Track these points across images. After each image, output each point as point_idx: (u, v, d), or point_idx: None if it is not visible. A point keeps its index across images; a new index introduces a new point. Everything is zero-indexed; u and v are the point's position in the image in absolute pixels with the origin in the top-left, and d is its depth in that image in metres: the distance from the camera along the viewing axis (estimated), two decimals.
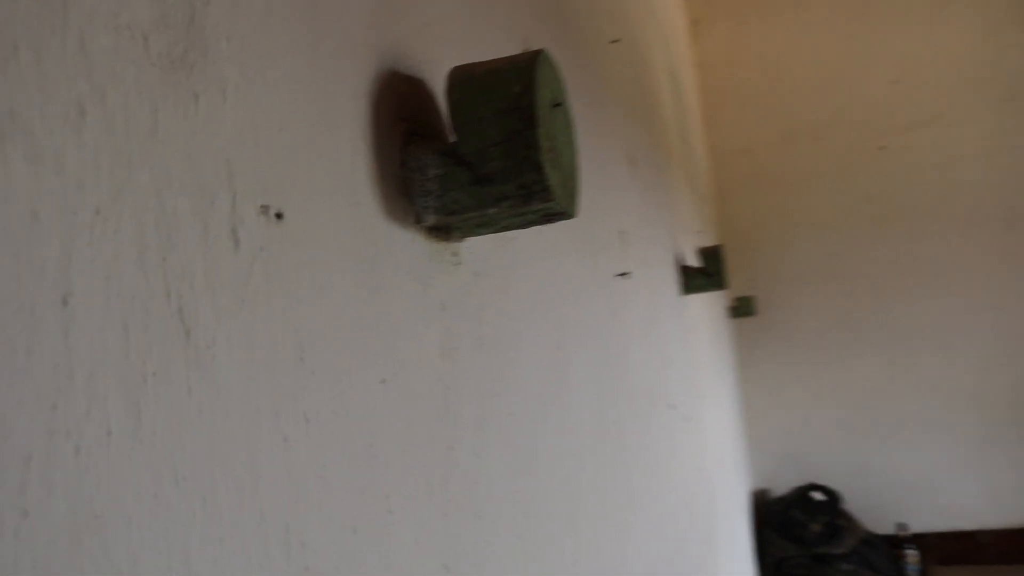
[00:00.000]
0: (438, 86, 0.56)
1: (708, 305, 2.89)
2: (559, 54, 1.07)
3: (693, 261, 2.17)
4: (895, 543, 3.62)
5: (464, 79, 0.51)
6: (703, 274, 2.03)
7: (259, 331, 0.35)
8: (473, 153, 0.49)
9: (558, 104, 0.56)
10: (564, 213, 0.54)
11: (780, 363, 4.14)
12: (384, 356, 0.46)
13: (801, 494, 3.74)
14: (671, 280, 1.93)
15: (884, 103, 4.02)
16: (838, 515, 3.63)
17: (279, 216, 0.38)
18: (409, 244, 0.51)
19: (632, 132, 1.63)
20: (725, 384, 3.38)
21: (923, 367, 3.87)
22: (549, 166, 0.49)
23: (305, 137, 0.41)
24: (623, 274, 1.26)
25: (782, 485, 4.02)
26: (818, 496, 3.68)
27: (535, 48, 0.92)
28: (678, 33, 3.57)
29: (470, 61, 0.54)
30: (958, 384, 3.81)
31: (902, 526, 3.64)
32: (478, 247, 0.62)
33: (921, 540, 3.67)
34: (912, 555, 3.58)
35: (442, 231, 0.55)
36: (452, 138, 0.50)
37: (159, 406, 0.30)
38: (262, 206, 0.37)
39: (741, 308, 3.93)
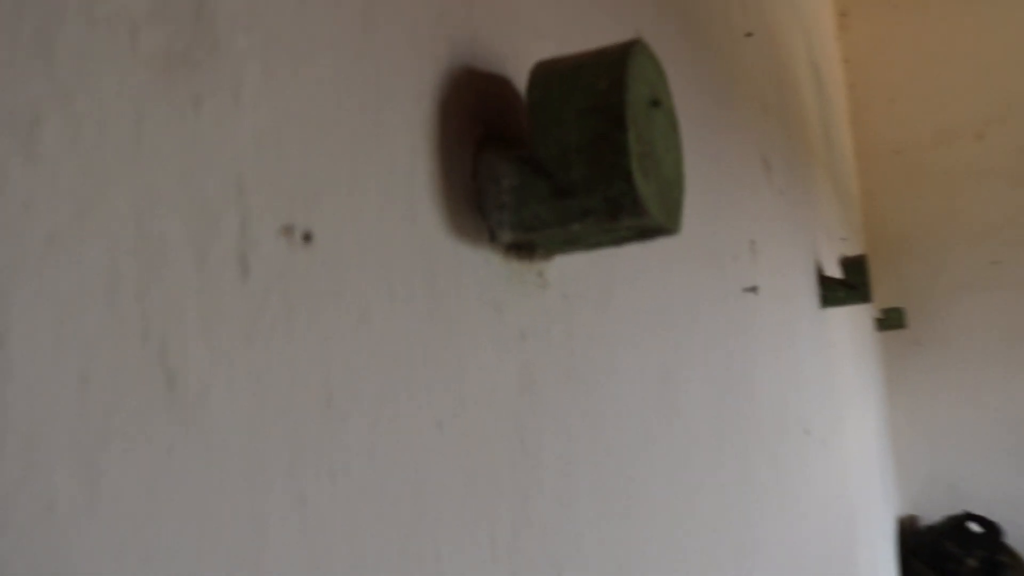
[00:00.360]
0: (525, 84, 0.50)
1: (851, 318, 2.71)
2: (680, 47, 0.98)
3: (834, 271, 2.01)
4: None
5: (546, 74, 0.45)
6: (845, 286, 1.88)
7: (273, 374, 0.30)
8: (553, 160, 0.42)
9: (657, 103, 0.48)
10: (663, 229, 0.46)
11: (933, 380, 3.84)
12: (442, 394, 0.40)
13: (955, 524, 3.45)
14: (810, 292, 1.80)
15: None
16: (999, 550, 3.33)
17: (307, 237, 0.33)
18: (481, 265, 0.45)
19: (767, 132, 1.52)
20: (870, 402, 3.16)
21: None
22: (641, 175, 0.42)
23: (348, 145, 0.36)
24: (751, 288, 1.16)
25: (933, 513, 3.73)
26: (975, 528, 3.39)
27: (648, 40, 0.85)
28: (822, 25, 3.37)
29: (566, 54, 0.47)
30: None
31: None
32: (570, 266, 0.56)
33: None
34: None
35: (524, 249, 0.49)
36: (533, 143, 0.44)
37: (125, 472, 0.25)
38: (284, 227, 0.32)
39: (889, 320, 3.68)
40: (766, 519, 1.12)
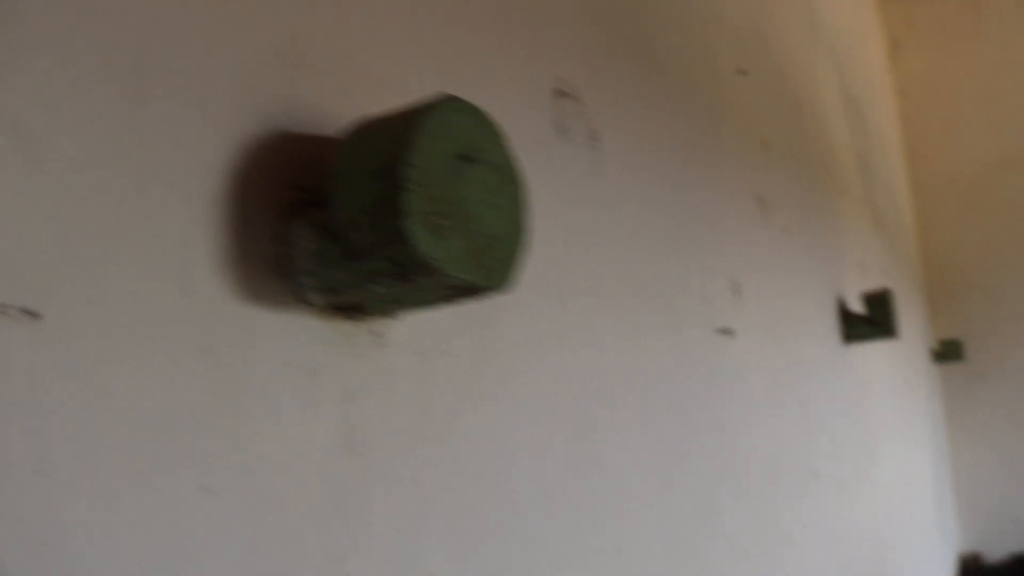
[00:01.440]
0: None
1: (896, 352, 2.61)
2: (628, 88, 0.97)
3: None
4: None
5: (352, 133, 0.45)
6: (867, 322, 1.82)
7: None
8: (345, 223, 0.42)
9: (470, 158, 0.47)
10: (479, 288, 0.46)
11: (995, 413, 3.68)
12: (215, 461, 0.40)
13: (1020, 561, 3.28)
14: (827, 330, 1.74)
15: None
16: None
17: (33, 315, 0.33)
18: (290, 329, 0.45)
19: (766, 169, 1.48)
20: (923, 438, 3.04)
21: None
22: (430, 235, 0.41)
23: (96, 222, 0.36)
24: (725, 330, 1.13)
25: (998, 549, 3.56)
26: None
27: (570, 91, 0.84)
28: (868, 57, 3.30)
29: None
30: None
31: None
32: (430, 323, 0.55)
33: None
34: None
35: (354, 310, 0.49)
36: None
37: None
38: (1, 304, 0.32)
39: (947, 353, 3.55)
40: (741, 561, 1.09)
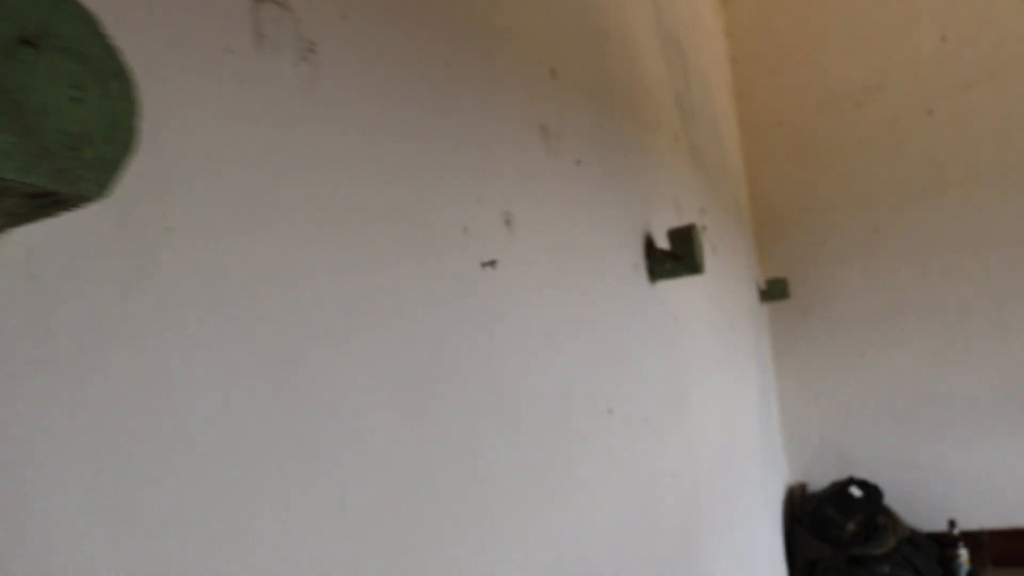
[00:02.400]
0: None
1: (719, 290, 2.67)
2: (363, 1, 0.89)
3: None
4: (944, 542, 3.33)
5: None
6: (672, 258, 1.82)
7: None
8: None
9: (31, 43, 0.39)
10: (57, 194, 0.38)
11: (818, 348, 3.86)
12: None
13: (837, 490, 3.47)
14: (632, 266, 1.73)
15: (932, 63, 3.69)
16: (878, 512, 3.35)
17: None
18: None
19: (554, 99, 1.44)
20: (749, 373, 3.14)
21: (978, 350, 3.55)
22: None
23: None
24: (490, 263, 1.08)
25: (823, 479, 3.75)
26: (856, 492, 3.41)
27: None
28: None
29: None
30: (1018, 368, 3.47)
31: (952, 523, 3.33)
32: (62, 245, 0.47)
33: (973, 539, 3.36)
34: (962, 555, 3.28)
35: None
36: None
37: None
38: None
39: (773, 291, 3.68)
40: (518, 503, 1.05)
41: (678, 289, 2.11)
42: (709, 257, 2.63)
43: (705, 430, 2.22)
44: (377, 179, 0.87)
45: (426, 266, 0.94)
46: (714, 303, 2.62)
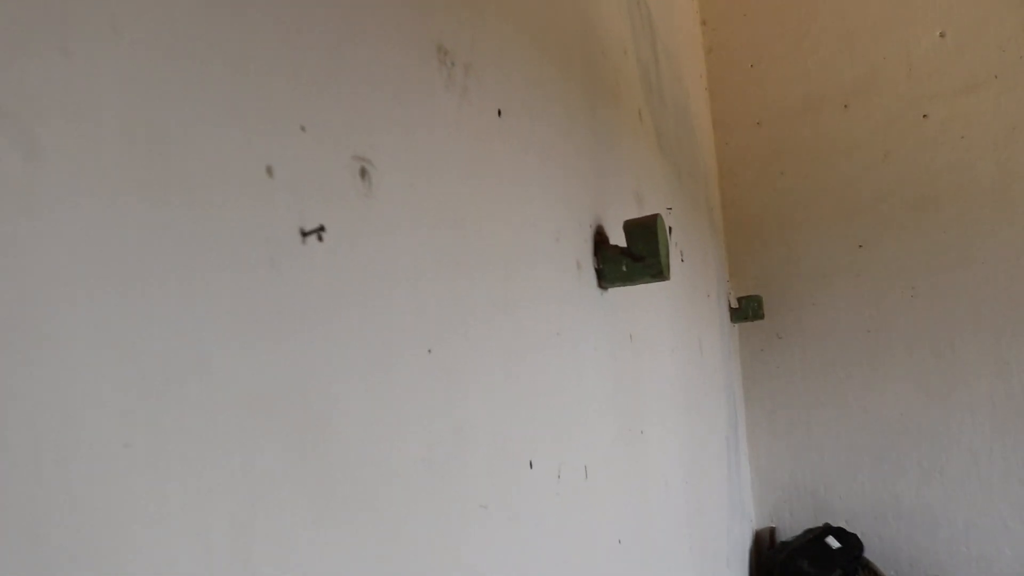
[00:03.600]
0: None
1: (688, 305, 2.23)
2: None
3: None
4: None
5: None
6: (629, 258, 1.37)
7: None
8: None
9: None
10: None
11: (792, 376, 3.44)
12: None
13: (812, 540, 3.05)
14: (575, 265, 1.29)
15: (928, 61, 3.30)
16: (858, 567, 2.93)
17: None
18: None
19: (464, 16, 0.99)
20: (720, 403, 2.71)
21: (971, 387, 3.15)
22: None
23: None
24: (316, 231, 0.63)
25: (794, 525, 3.33)
26: (833, 543, 2.99)
27: None
28: None
29: None
30: (1014, 408, 3.07)
31: None
32: None
33: None
34: None
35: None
36: None
37: None
38: None
39: (746, 310, 3.26)
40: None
41: (636, 299, 1.66)
42: (677, 264, 2.19)
43: (664, 477, 1.78)
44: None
45: (180, 230, 0.49)
46: (682, 319, 2.19)
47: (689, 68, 3.14)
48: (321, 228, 0.64)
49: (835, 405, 3.36)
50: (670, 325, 2.04)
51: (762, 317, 3.29)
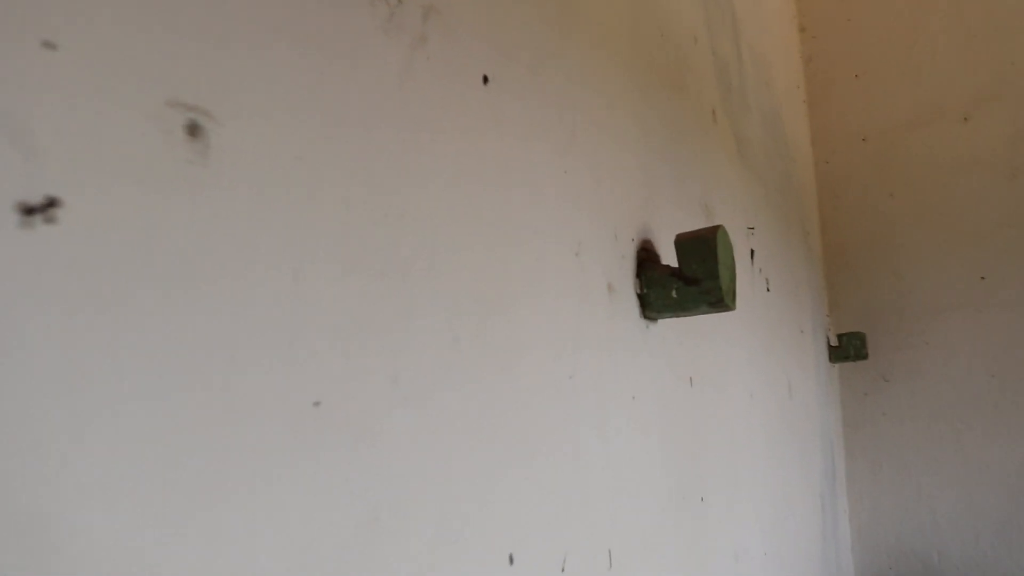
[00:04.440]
0: None
1: (772, 340, 1.91)
2: None
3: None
4: None
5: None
6: (679, 280, 1.07)
7: None
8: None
9: None
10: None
11: (901, 426, 3.01)
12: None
13: None
14: (606, 289, 1.00)
15: None
16: None
17: None
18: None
19: None
20: (815, 456, 2.35)
21: None
22: None
23: None
24: (41, 209, 0.37)
25: None
26: None
27: None
28: None
29: None
30: None
31: None
32: None
33: None
34: None
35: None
36: None
37: None
38: None
39: (847, 348, 2.87)
40: None
41: (701, 333, 1.36)
42: (761, 294, 1.86)
43: (734, 549, 1.45)
44: None
45: None
46: (766, 358, 1.85)
47: (783, 77, 2.81)
48: (52, 204, 0.39)
49: (951, 459, 2.92)
50: (750, 364, 1.71)
51: (866, 357, 2.89)
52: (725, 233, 1.09)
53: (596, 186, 1.00)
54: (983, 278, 2.92)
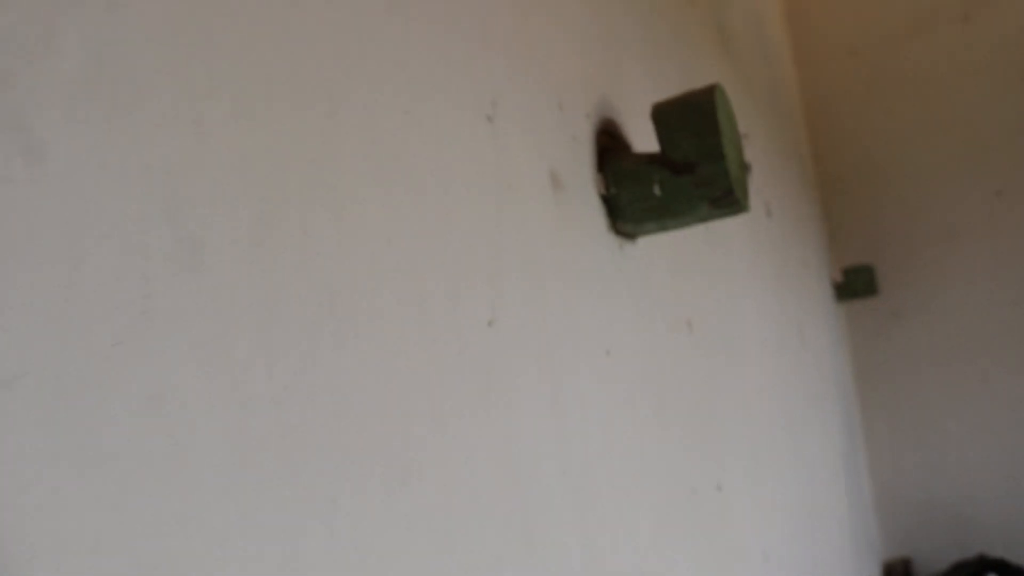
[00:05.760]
0: None
1: (777, 276, 1.55)
2: None
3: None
4: None
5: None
6: (666, 168, 0.71)
7: None
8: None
9: None
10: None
11: (920, 367, 2.68)
12: None
13: (970, 574, 2.31)
14: (549, 185, 0.63)
15: None
16: None
17: None
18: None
19: None
20: (833, 408, 2.01)
21: None
22: None
23: None
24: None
25: (934, 556, 2.58)
26: None
27: None
28: None
29: None
30: None
31: None
32: None
33: None
34: None
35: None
36: None
37: None
38: None
39: (854, 285, 2.54)
40: None
41: (692, 257, 1.00)
42: (762, 219, 1.51)
43: (762, 548, 1.10)
44: None
45: None
46: (773, 297, 1.50)
47: None
48: None
49: (977, 400, 2.59)
50: (756, 305, 1.36)
51: (875, 292, 2.55)
52: (724, 95, 0.72)
53: (522, 19, 0.63)
54: (999, 193, 2.58)
